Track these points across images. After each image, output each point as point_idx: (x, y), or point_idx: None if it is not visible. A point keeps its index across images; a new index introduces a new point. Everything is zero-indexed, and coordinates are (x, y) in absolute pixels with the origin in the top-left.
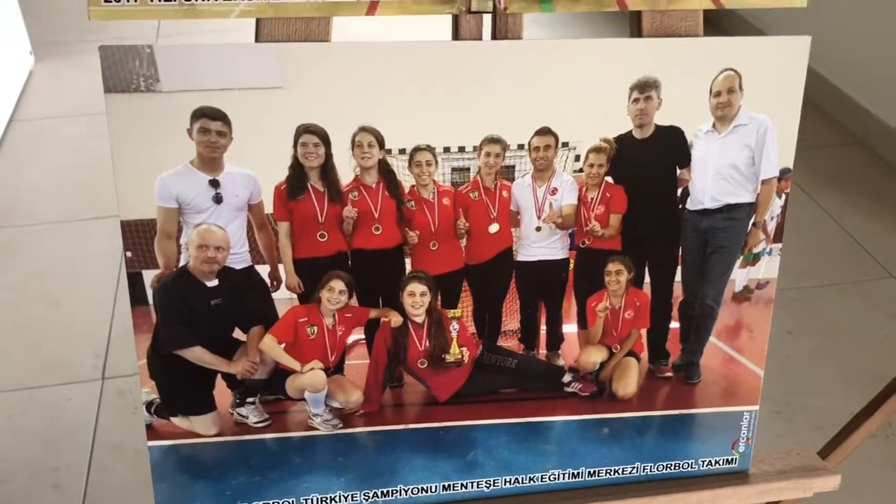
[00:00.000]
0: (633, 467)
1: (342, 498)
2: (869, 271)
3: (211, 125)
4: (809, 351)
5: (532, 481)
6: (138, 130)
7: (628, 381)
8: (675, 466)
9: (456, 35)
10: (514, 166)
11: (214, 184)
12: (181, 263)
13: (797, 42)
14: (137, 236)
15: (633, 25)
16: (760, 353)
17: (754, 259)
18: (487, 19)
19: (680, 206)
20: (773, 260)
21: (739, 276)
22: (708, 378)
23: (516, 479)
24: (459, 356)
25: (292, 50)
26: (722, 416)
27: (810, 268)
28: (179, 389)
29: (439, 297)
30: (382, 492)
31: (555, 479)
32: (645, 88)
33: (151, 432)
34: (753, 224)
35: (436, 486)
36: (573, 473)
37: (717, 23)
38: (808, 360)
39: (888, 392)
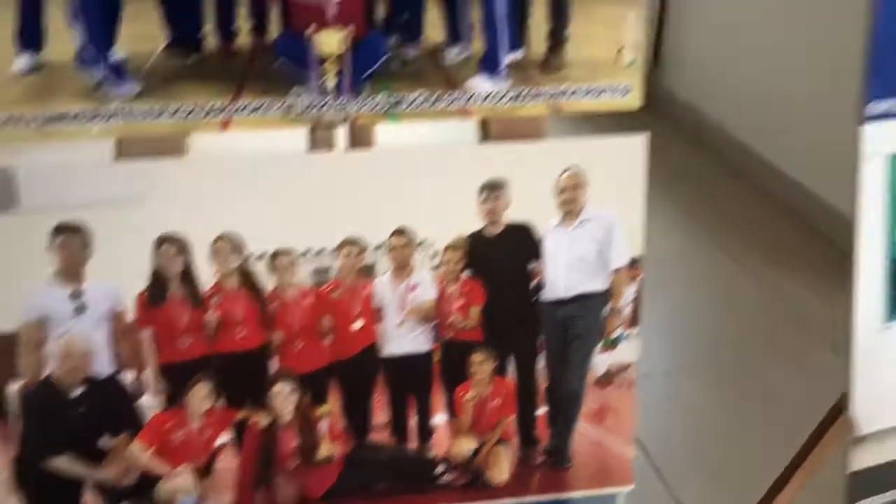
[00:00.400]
0: None
1: None
2: (807, 341)
3: (71, 240)
4: (749, 421)
5: None
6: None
7: (501, 468)
8: None
9: (312, 145)
10: (374, 265)
11: (76, 295)
12: (46, 373)
13: (634, 141)
14: None
15: (481, 130)
16: (628, 434)
17: (613, 343)
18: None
19: (534, 299)
20: (631, 343)
21: (601, 361)
22: (579, 461)
23: None
24: (329, 453)
25: (151, 165)
26: (596, 500)
27: (749, 339)
28: (48, 499)
29: (308, 395)
30: None
31: None
32: (493, 189)
33: None
34: (610, 310)
35: None
36: None
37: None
38: (748, 431)
39: (803, 454)
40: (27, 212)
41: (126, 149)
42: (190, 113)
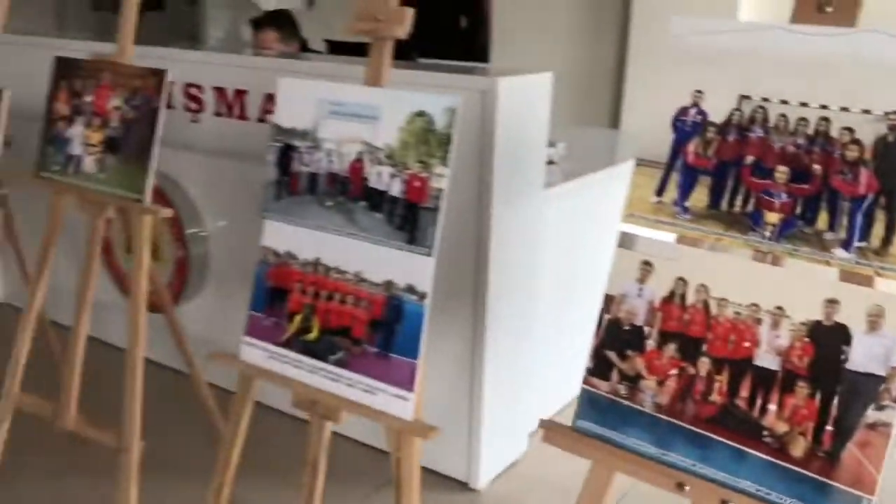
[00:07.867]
0: None
1: None
2: None
3: None
4: None
5: None
6: None
7: (797, 447)
8: None
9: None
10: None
11: None
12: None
13: None
14: None
15: (839, 276)
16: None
17: (882, 408)
18: None
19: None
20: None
21: (871, 415)
22: (843, 466)
23: None
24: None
25: None
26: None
27: None
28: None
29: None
30: None
31: None
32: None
33: None
34: (884, 388)
35: None
36: None
37: None
38: None
39: None
40: None
41: None
42: None
